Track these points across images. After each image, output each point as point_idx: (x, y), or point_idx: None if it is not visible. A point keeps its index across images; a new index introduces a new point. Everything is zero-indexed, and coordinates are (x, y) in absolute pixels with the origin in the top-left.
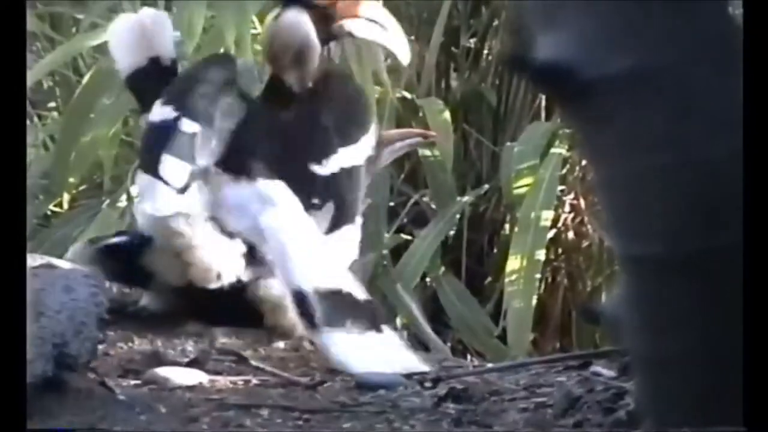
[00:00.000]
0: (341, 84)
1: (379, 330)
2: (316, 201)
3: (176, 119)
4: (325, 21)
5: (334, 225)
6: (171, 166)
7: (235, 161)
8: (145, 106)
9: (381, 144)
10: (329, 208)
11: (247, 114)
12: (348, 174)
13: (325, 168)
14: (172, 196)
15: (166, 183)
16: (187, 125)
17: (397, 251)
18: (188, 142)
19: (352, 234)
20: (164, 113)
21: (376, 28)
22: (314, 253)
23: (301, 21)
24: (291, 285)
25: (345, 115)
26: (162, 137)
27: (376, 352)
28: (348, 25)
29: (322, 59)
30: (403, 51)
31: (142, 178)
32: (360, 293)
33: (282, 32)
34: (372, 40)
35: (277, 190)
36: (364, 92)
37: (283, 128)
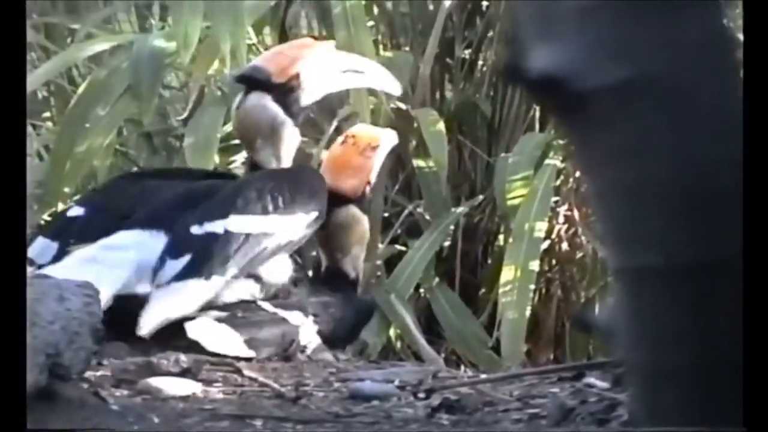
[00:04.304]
0: (299, 171)
1: None
2: (175, 252)
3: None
4: (289, 94)
5: (180, 276)
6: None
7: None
8: None
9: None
10: (184, 259)
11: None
12: (228, 237)
13: (202, 228)
14: None
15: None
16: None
17: (391, 262)
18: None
19: (196, 289)
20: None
21: (351, 76)
22: None
23: (264, 104)
24: None
25: (269, 186)
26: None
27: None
28: (316, 91)
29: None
30: (389, 85)
31: None
32: None
33: (247, 118)
34: (353, 87)
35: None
36: (315, 186)
37: (200, 193)
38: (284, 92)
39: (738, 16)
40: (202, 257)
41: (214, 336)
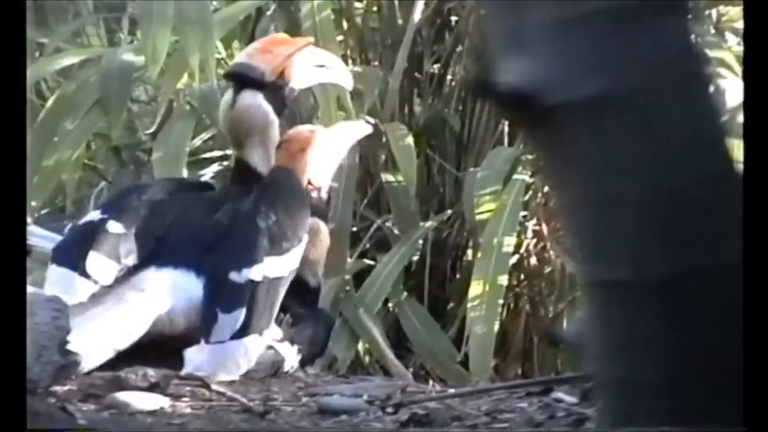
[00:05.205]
0: (287, 181)
1: None
2: (226, 306)
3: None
4: (277, 93)
5: (240, 333)
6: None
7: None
8: None
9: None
10: (239, 314)
11: (187, 211)
12: (268, 284)
13: (242, 276)
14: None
15: (89, 278)
16: (113, 226)
17: (360, 276)
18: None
19: (255, 346)
20: (92, 216)
21: (320, 71)
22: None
23: (258, 103)
24: None
25: (283, 220)
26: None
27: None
28: (295, 84)
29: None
30: (346, 79)
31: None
32: None
33: (242, 117)
34: (318, 83)
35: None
36: (303, 194)
37: (219, 226)
38: (274, 90)
39: (706, 32)
40: (254, 311)
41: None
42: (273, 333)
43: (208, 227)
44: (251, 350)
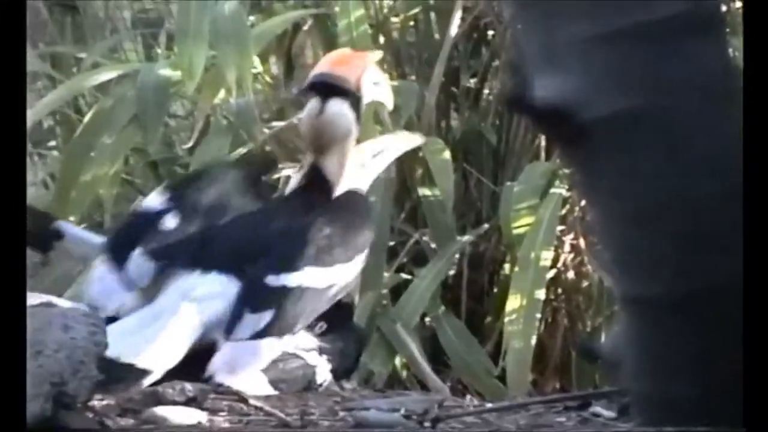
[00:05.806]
0: (354, 203)
1: None
2: (255, 305)
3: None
4: (358, 103)
5: (260, 334)
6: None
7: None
8: None
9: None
10: (266, 315)
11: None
12: (302, 293)
13: (278, 280)
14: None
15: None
16: (170, 221)
17: (397, 290)
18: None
19: (271, 348)
20: (156, 202)
21: (375, 87)
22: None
23: (344, 111)
24: None
25: (336, 235)
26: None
27: None
28: (365, 99)
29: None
30: (390, 99)
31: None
32: None
33: (330, 124)
34: (373, 99)
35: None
36: (369, 218)
37: (271, 233)
38: (355, 100)
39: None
40: (281, 315)
41: (249, 377)
42: (296, 340)
43: (261, 234)
44: (265, 351)
